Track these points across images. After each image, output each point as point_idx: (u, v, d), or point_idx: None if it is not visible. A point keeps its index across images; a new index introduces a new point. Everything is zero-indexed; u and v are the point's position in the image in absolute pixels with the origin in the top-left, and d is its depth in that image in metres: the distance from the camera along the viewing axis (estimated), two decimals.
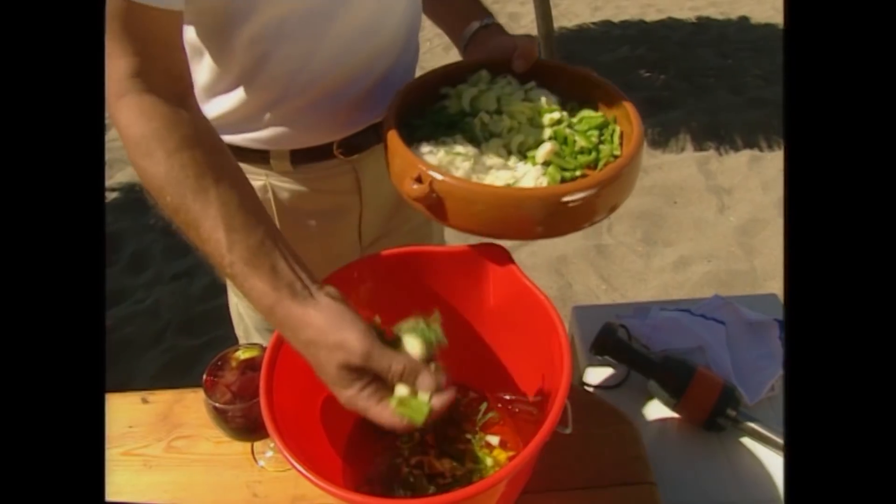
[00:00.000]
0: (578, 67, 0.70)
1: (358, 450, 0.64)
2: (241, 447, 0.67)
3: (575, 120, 0.67)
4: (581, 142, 0.64)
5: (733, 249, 1.93)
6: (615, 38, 3.27)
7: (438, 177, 0.55)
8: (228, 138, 0.66)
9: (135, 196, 2.26)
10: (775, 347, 1.01)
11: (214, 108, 0.66)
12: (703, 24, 3.35)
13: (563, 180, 0.61)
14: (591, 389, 0.96)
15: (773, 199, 2.10)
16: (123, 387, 0.89)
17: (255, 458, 0.67)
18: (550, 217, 0.56)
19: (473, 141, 0.64)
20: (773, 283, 1.80)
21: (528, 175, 0.60)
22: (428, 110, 0.68)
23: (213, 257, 0.48)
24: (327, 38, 0.61)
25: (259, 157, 0.69)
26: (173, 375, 1.60)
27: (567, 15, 3.55)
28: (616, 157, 0.64)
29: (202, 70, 0.63)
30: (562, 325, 0.52)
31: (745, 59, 2.96)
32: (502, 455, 0.62)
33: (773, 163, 2.28)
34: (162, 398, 0.74)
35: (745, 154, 2.32)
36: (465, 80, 0.69)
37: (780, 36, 2.44)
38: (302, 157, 0.69)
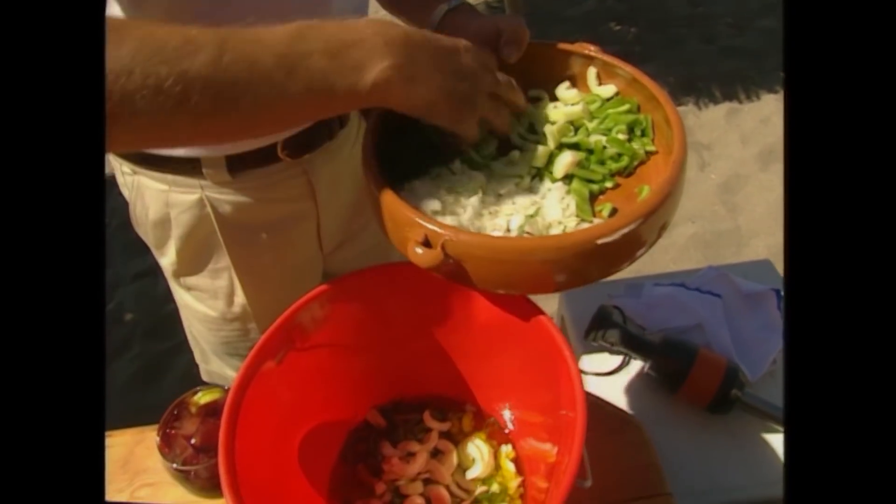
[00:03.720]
0: (578, 44, 0.58)
1: (344, 484, 0.57)
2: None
3: (595, 118, 0.55)
4: (611, 147, 0.53)
5: (716, 208, 1.89)
6: None
7: (453, 237, 0.43)
8: (152, 150, 0.56)
9: None
10: (774, 319, 0.98)
11: None
12: None
13: (592, 194, 0.51)
14: (587, 377, 0.91)
15: (752, 153, 2.06)
16: None
17: None
18: (603, 257, 0.44)
19: (474, 164, 0.53)
20: (758, 241, 1.77)
21: (550, 196, 0.50)
22: (410, 129, 0.53)
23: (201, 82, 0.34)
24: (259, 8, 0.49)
25: (189, 167, 0.58)
26: (145, 385, 1.51)
27: None
28: (649, 153, 0.54)
29: None
30: (571, 356, 0.46)
31: (715, 5, 2.88)
32: (511, 480, 0.56)
33: (750, 114, 2.23)
34: (120, 440, 0.66)
35: (723, 107, 2.26)
36: None
37: None
38: (241, 164, 0.58)
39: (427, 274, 0.52)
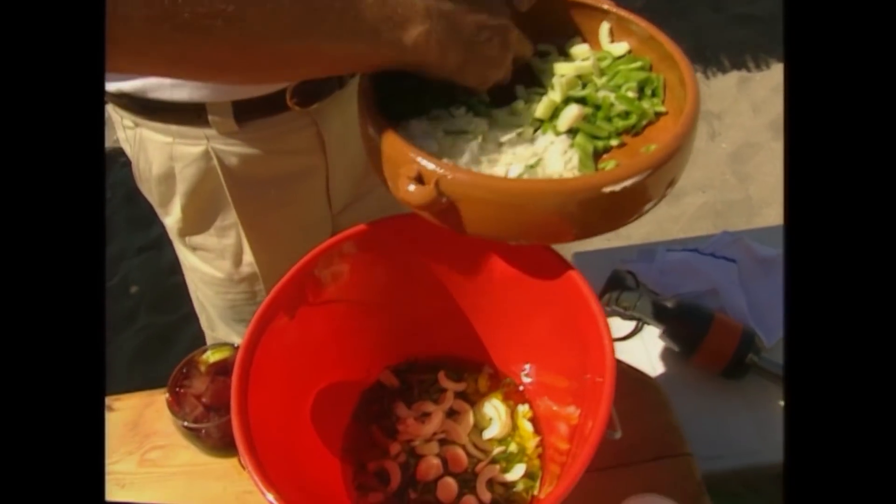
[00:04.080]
0: None
1: (357, 445, 0.56)
2: None
3: (605, 74, 0.53)
4: (619, 104, 0.50)
5: (727, 178, 1.86)
6: None
7: (448, 174, 0.40)
8: (154, 94, 0.54)
9: None
10: None
11: None
12: None
13: (596, 151, 0.49)
14: None
15: (764, 122, 2.02)
16: None
17: (243, 466, 0.59)
18: (608, 208, 0.42)
19: (476, 110, 0.50)
20: (770, 211, 1.75)
21: (552, 149, 0.47)
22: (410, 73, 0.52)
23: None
24: None
25: (194, 115, 0.55)
26: (152, 356, 1.51)
27: None
28: (659, 114, 0.51)
29: None
30: (602, 316, 0.44)
31: None
32: (529, 440, 0.55)
33: (762, 83, 2.18)
34: (128, 403, 0.65)
35: (734, 76, 2.22)
36: None
37: None
38: (248, 112, 0.56)
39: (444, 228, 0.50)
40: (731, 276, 0.97)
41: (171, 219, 0.64)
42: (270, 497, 0.39)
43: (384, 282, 0.54)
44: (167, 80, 0.53)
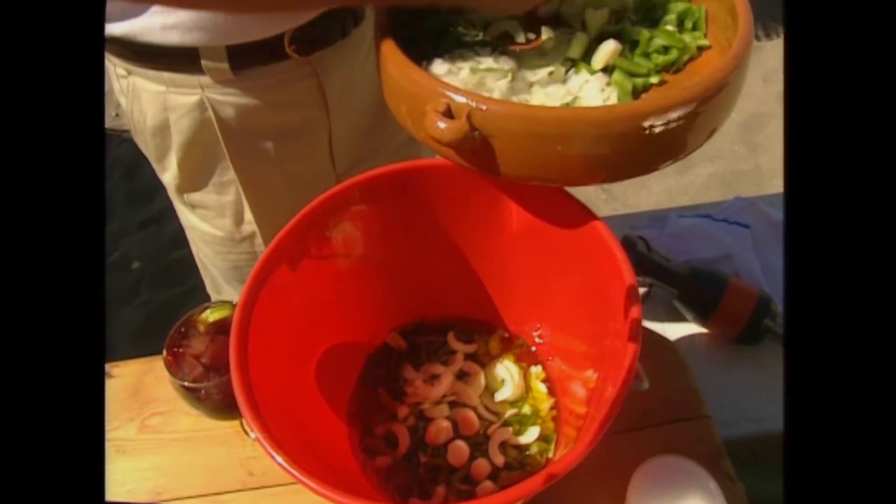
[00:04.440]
0: None
1: (364, 408, 0.54)
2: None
3: (639, 7, 0.49)
4: (658, 39, 0.47)
5: (737, 148, 1.82)
6: None
7: (482, 105, 0.36)
8: (145, 37, 0.50)
9: None
10: None
11: None
12: None
13: (634, 90, 0.45)
14: None
15: (774, 92, 1.98)
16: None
17: (246, 431, 0.57)
18: (649, 142, 0.38)
19: (501, 49, 0.47)
20: (780, 181, 1.70)
21: (587, 88, 0.44)
22: (430, 15, 0.48)
23: None
24: None
25: (187, 60, 0.52)
26: (155, 331, 1.49)
27: None
28: (702, 48, 0.47)
29: None
30: (619, 248, 0.41)
31: None
32: (543, 402, 0.53)
33: (772, 52, 2.13)
34: (128, 369, 0.63)
35: None
36: None
37: None
38: (244, 58, 0.52)
39: (456, 177, 0.47)
40: (744, 241, 0.94)
41: (169, 175, 0.62)
42: (279, 459, 0.37)
43: (391, 236, 0.51)
44: (157, 22, 0.49)
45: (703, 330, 0.84)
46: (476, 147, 0.37)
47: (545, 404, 0.53)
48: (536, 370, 0.55)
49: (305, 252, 0.46)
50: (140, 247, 1.74)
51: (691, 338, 0.85)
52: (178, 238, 1.70)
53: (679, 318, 0.86)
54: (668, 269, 0.84)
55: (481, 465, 0.49)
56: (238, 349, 0.40)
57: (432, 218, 0.51)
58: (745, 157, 1.79)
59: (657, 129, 0.38)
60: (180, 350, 0.48)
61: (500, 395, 0.53)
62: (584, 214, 0.45)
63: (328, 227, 0.48)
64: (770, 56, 2.13)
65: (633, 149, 0.39)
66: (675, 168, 1.79)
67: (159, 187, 0.66)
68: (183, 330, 0.48)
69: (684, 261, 0.91)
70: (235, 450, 0.56)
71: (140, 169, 1.95)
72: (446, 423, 0.52)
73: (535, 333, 0.56)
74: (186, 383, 0.45)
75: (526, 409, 0.52)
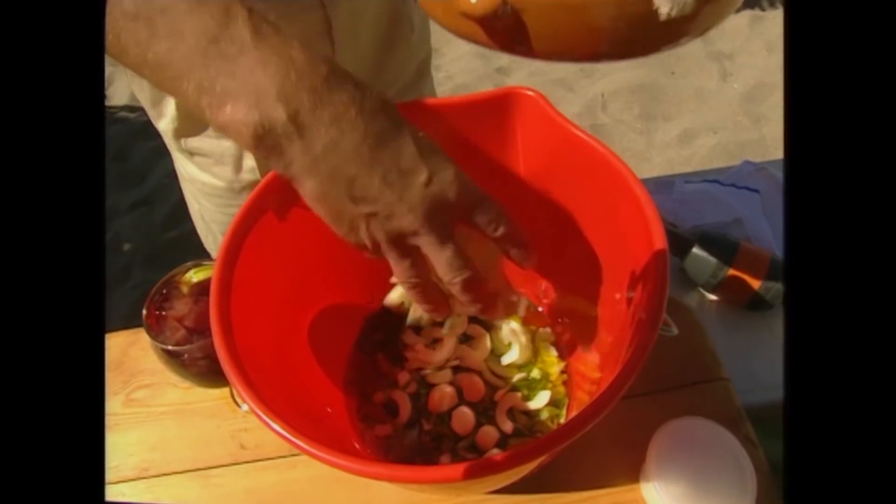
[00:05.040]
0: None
1: (362, 375, 0.51)
2: (218, 391, 0.54)
3: None
4: None
5: (739, 119, 1.78)
6: None
7: None
8: None
9: None
10: None
11: None
12: None
13: None
14: None
15: (778, 62, 1.93)
16: None
17: (236, 402, 0.53)
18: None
19: None
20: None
21: None
22: None
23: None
24: None
25: None
26: None
27: None
28: None
29: None
30: (640, 186, 0.38)
31: None
32: (553, 366, 0.50)
33: (775, 21, 2.08)
34: (113, 342, 0.60)
35: (745, 15, 2.11)
36: None
37: None
38: None
39: (463, 115, 0.43)
40: (754, 206, 0.91)
41: (166, 120, 0.58)
42: (276, 427, 0.33)
43: None
44: None
45: (713, 297, 0.81)
46: (508, 22, 0.34)
47: (555, 368, 0.49)
48: (545, 332, 0.51)
49: (295, 198, 0.42)
50: (131, 228, 1.70)
51: (700, 305, 0.82)
52: (170, 219, 1.67)
53: (688, 284, 0.83)
54: (679, 236, 0.81)
55: (489, 433, 0.46)
56: (219, 306, 0.37)
57: None
58: (748, 128, 1.75)
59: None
60: (162, 313, 0.44)
61: (507, 359, 0.50)
62: (615, 164, 0.41)
63: None
64: (772, 25, 2.08)
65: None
66: (678, 140, 1.75)
67: (151, 168, 0.63)
68: (165, 291, 0.45)
69: (692, 227, 0.88)
70: (226, 422, 0.53)
71: (131, 150, 1.90)
72: (450, 389, 0.48)
73: (539, 292, 0.52)
74: (169, 347, 0.42)
75: (535, 374, 0.49)
